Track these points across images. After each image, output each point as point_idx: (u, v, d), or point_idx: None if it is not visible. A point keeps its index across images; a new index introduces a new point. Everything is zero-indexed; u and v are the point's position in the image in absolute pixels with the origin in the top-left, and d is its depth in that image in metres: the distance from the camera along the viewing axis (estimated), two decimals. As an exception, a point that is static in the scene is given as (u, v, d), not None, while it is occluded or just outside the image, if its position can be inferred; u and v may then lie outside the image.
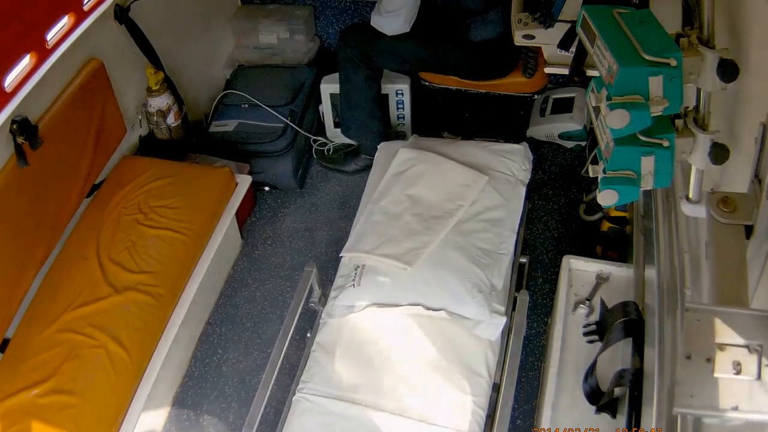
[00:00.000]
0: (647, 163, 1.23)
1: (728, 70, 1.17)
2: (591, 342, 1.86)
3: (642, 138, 1.22)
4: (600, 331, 1.85)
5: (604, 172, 1.27)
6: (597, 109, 1.24)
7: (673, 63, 1.13)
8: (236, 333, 2.63)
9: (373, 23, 2.72)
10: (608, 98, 1.15)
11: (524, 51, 2.81)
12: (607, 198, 1.25)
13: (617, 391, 1.68)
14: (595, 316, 1.93)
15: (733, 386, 0.79)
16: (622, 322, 1.71)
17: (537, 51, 2.79)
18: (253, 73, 3.30)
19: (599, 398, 1.69)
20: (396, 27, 2.68)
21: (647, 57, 1.14)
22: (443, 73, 2.86)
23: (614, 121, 1.13)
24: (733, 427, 0.83)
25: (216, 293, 2.74)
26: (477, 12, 2.61)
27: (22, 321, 2.23)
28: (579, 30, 1.33)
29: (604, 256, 2.56)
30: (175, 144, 2.97)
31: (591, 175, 1.32)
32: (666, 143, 1.23)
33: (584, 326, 1.90)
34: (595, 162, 1.34)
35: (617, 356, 1.75)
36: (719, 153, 1.25)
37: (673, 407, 0.79)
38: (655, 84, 1.14)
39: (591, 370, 1.71)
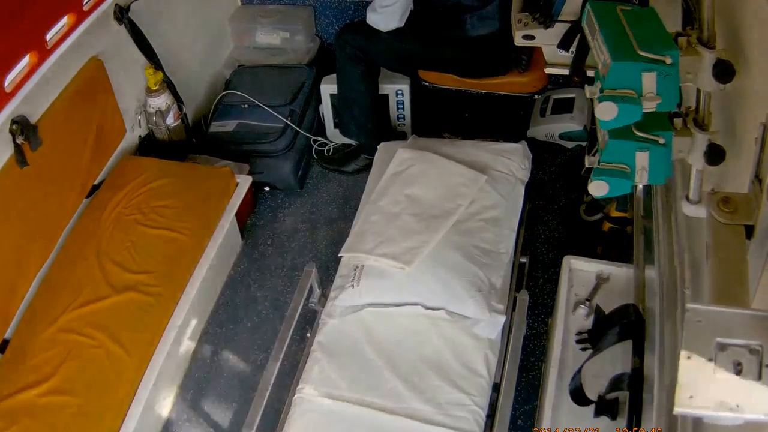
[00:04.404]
0: (641, 159, 1.24)
1: (723, 71, 1.17)
2: (583, 350, 1.84)
3: (637, 133, 1.23)
4: (592, 339, 1.83)
5: (599, 163, 1.27)
6: (593, 101, 1.25)
7: (668, 61, 1.14)
8: (236, 333, 2.63)
9: (368, 20, 2.73)
10: (601, 90, 1.16)
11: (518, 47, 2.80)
12: (597, 188, 1.26)
13: (615, 394, 1.67)
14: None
15: (733, 386, 0.79)
16: (620, 325, 1.70)
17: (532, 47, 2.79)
18: (252, 73, 3.29)
19: (583, 397, 1.68)
20: (390, 23, 2.69)
21: (642, 53, 1.14)
22: (440, 70, 2.86)
23: (602, 113, 1.15)
24: (733, 427, 0.83)
25: (216, 293, 2.74)
26: (473, 8, 2.62)
27: (21, 321, 2.22)
28: (584, 25, 1.34)
29: (604, 256, 2.55)
30: (175, 144, 2.97)
31: (586, 165, 1.33)
32: (662, 140, 1.23)
33: (576, 333, 1.88)
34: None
35: (617, 358, 1.74)
36: (714, 154, 1.24)
37: (673, 407, 0.79)
38: (649, 80, 1.14)
39: (577, 373, 1.70)
